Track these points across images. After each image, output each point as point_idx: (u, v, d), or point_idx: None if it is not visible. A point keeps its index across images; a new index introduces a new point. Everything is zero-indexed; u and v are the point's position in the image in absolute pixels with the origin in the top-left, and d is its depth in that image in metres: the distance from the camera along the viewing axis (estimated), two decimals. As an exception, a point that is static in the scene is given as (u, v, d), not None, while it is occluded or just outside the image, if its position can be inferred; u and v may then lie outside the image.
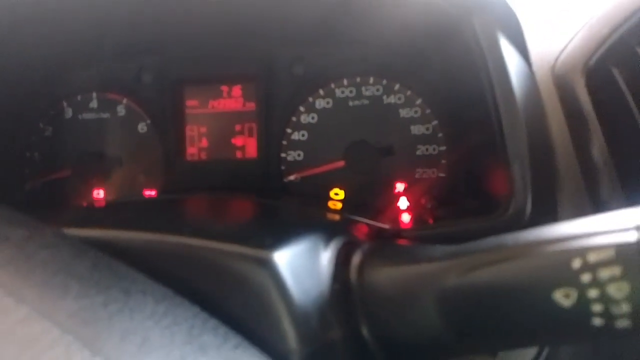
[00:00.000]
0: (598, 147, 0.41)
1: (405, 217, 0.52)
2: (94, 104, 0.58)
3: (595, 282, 0.20)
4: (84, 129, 0.58)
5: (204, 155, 0.58)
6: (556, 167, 0.41)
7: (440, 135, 0.55)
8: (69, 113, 0.59)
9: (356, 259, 0.29)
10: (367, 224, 0.40)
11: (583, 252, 0.20)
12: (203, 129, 0.57)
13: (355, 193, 0.55)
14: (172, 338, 0.19)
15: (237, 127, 0.57)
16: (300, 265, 0.27)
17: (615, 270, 0.20)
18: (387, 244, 0.33)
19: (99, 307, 0.19)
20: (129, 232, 0.26)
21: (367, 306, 0.27)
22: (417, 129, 0.56)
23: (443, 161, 0.55)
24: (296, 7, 0.49)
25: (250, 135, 0.57)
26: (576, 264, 0.20)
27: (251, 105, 0.57)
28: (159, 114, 0.58)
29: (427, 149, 0.55)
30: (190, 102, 0.57)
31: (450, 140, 0.55)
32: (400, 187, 0.55)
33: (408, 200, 0.55)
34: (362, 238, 0.34)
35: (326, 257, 0.29)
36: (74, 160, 0.59)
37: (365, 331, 0.27)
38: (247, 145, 0.57)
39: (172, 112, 0.57)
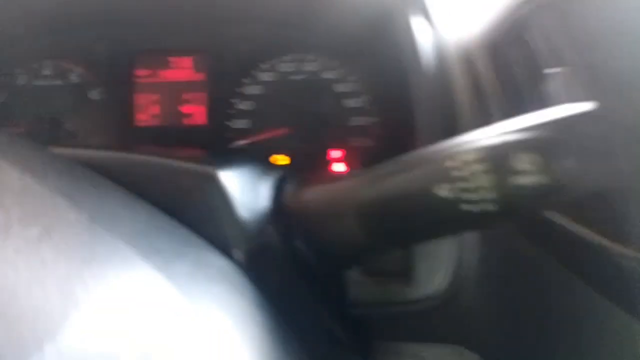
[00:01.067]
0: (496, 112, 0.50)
1: (340, 181, 0.59)
2: (47, 71, 0.61)
3: (469, 177, 0.27)
4: (37, 95, 0.61)
5: (153, 122, 0.62)
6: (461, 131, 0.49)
7: (371, 108, 0.62)
8: (22, 80, 0.61)
9: (291, 185, 0.35)
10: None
11: (459, 155, 0.27)
12: (154, 97, 0.62)
13: (296, 158, 0.61)
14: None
15: (187, 96, 0.62)
16: (243, 187, 0.32)
17: (482, 166, 0.26)
18: (315, 173, 0.40)
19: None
20: (92, 151, 0.31)
21: (299, 221, 0.33)
22: (351, 102, 0.62)
23: (374, 131, 0.62)
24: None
25: (199, 104, 0.62)
26: (453, 163, 0.27)
27: (200, 76, 0.61)
28: (111, 81, 0.61)
29: (359, 121, 0.62)
30: (142, 72, 0.61)
31: (381, 113, 0.62)
32: (336, 154, 0.62)
33: (345, 166, 0.62)
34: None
35: (266, 185, 0.35)
36: (26, 126, 0.61)
37: (297, 242, 0.33)
38: (196, 113, 0.62)
39: (123, 80, 0.61)
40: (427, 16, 0.52)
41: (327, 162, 0.61)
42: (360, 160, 0.62)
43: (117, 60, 0.61)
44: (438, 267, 0.46)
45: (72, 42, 0.61)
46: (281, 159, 0.61)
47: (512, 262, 0.44)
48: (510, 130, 0.27)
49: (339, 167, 0.61)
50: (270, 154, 0.61)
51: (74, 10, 0.58)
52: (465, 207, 0.27)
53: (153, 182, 0.30)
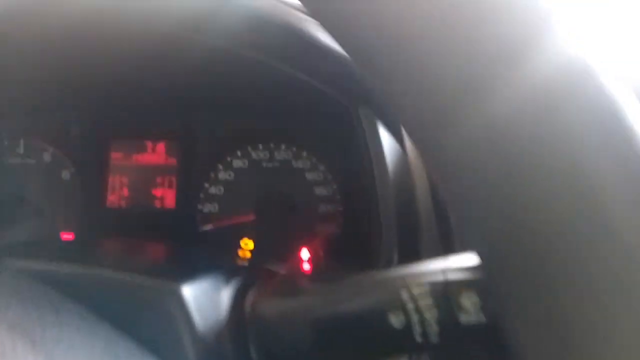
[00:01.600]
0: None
1: (306, 267, 0.60)
2: (20, 149, 0.62)
3: (417, 309, 0.28)
4: (9, 174, 0.61)
5: (124, 204, 0.63)
6: (421, 229, 0.52)
7: (338, 196, 0.65)
8: (-5, 157, 0.62)
9: (251, 295, 0.36)
10: (269, 269, 0.47)
11: (410, 285, 0.29)
12: (125, 179, 0.63)
13: (263, 244, 0.62)
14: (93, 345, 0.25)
15: (158, 180, 0.63)
16: (204, 299, 0.33)
17: (429, 300, 0.28)
18: (276, 282, 0.41)
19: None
20: (52, 264, 0.31)
21: (256, 332, 0.34)
22: (319, 190, 0.65)
23: (340, 219, 0.64)
24: (219, 84, 0.57)
25: (170, 187, 0.63)
26: (405, 294, 0.29)
27: (173, 161, 0.63)
28: (84, 163, 0.62)
29: (327, 208, 0.64)
30: (115, 155, 0.63)
31: (346, 202, 0.65)
32: (302, 240, 0.63)
33: (309, 252, 0.63)
34: (261, 279, 0.41)
35: (227, 294, 0.36)
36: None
37: (252, 351, 0.34)
38: (166, 196, 0.63)
39: (96, 162, 0.62)
40: (385, 120, 0.55)
41: (293, 249, 0.62)
42: (325, 246, 0.63)
43: (90, 142, 0.62)
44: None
45: (47, 122, 0.63)
46: (247, 245, 0.62)
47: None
48: (456, 266, 0.29)
49: (305, 254, 0.62)
50: (238, 239, 0.62)
51: (49, 91, 0.60)
52: (416, 338, 0.29)
53: (114, 296, 0.31)
